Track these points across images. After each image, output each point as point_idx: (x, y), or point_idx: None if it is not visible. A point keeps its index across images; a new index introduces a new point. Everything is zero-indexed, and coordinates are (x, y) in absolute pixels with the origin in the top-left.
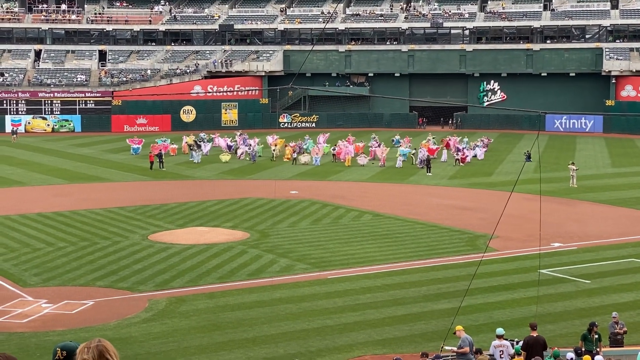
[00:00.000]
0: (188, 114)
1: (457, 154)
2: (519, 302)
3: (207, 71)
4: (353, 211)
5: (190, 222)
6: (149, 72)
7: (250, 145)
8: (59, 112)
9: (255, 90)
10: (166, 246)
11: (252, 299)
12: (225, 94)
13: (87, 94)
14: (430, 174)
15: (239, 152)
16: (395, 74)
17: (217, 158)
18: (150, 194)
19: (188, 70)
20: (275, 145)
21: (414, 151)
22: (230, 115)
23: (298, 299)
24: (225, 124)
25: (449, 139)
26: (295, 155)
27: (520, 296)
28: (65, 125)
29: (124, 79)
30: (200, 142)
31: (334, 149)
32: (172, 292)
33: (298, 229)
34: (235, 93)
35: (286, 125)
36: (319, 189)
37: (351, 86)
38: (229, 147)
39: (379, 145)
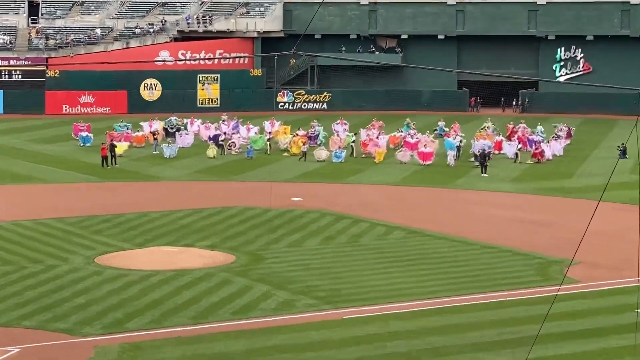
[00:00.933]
0: (151, 90)
1: (528, 148)
2: (609, 353)
3: (178, 31)
4: (379, 226)
5: (153, 239)
6: (97, 31)
7: (243, 134)
8: None
9: (245, 57)
10: (120, 273)
11: (239, 348)
12: (202, 62)
13: (11, 62)
14: (486, 174)
15: (232, 143)
16: (439, 37)
17: (197, 152)
18: (99, 201)
19: (151, 30)
20: (276, 136)
21: (462, 142)
22: (209, 92)
23: (301, 348)
24: (202, 104)
25: (515, 127)
26: (305, 148)
27: (611, 345)
28: None
29: (63, 41)
30: (172, 128)
31: (353, 141)
32: (128, 337)
33: (302, 250)
34: (216, 62)
35: (287, 106)
36: (332, 195)
37: (377, 53)
38: (214, 138)
39: (412, 135)
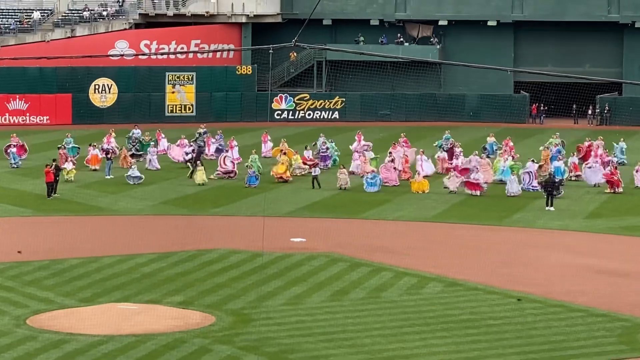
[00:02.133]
0: (104, 94)
1: (605, 168)
2: None
3: (140, 14)
4: (407, 276)
5: (105, 293)
6: (34, 15)
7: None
8: None
9: (229, 50)
10: (60, 338)
11: None
12: (173, 57)
13: None
14: (551, 208)
15: (224, 166)
16: (489, 23)
17: (164, 176)
18: (33, 241)
19: (105, 13)
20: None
21: (517, 165)
22: (181, 95)
23: None
24: (172, 111)
25: (590, 145)
26: (317, 172)
27: None
28: None
29: None
30: (137, 148)
31: (391, 160)
32: None
33: (305, 308)
34: (191, 56)
35: (285, 115)
36: (345, 235)
37: (407, 44)
38: (188, 158)
39: (447, 151)
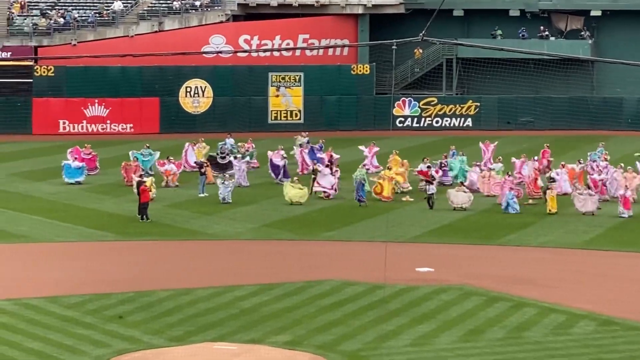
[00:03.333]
0: (196, 97)
1: None
2: None
3: (239, 5)
4: (554, 312)
5: (199, 331)
6: (115, 6)
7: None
8: None
9: (343, 45)
10: None
11: None
12: (277, 54)
13: None
14: None
15: (325, 183)
16: None
17: (265, 193)
18: (116, 271)
19: (198, 4)
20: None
21: None
22: (287, 100)
23: None
24: (276, 118)
25: None
26: (432, 190)
27: None
28: None
29: (58, 20)
30: (223, 157)
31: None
32: None
33: (433, 350)
34: (298, 53)
35: (408, 122)
36: (480, 264)
37: (553, 38)
38: (279, 169)
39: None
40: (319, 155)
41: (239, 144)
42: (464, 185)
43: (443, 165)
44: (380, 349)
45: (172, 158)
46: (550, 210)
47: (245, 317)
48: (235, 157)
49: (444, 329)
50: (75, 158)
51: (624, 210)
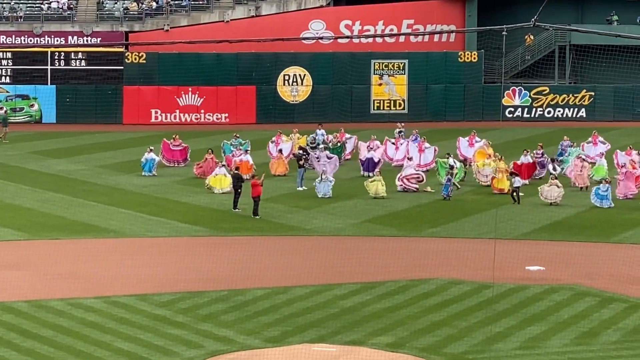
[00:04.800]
0: (295, 86)
1: None
2: None
3: None
4: None
5: (297, 332)
6: None
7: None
8: (8, 82)
9: (450, 31)
10: None
11: None
12: (380, 40)
13: (69, 41)
14: None
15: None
16: None
17: (362, 184)
18: (209, 268)
19: None
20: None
21: None
22: (391, 88)
23: None
24: (379, 108)
25: None
26: (518, 182)
27: None
28: (21, 110)
29: (150, 5)
30: (313, 146)
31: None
32: None
33: (544, 353)
34: (403, 39)
35: (519, 112)
36: (593, 262)
37: None
38: (368, 163)
39: None
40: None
41: (335, 133)
42: (557, 179)
43: (538, 156)
44: (488, 351)
45: (248, 149)
46: None
47: (345, 317)
48: (319, 149)
49: (555, 331)
50: (173, 150)
51: None
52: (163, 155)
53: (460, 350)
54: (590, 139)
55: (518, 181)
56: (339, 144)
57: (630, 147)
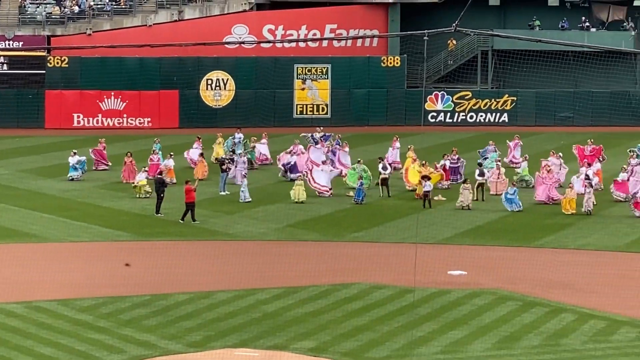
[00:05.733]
0: (218, 90)
1: None
2: None
3: None
4: (593, 318)
5: (219, 337)
6: None
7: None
8: None
9: (373, 36)
10: None
11: None
12: (303, 44)
13: None
14: None
15: (324, 174)
16: None
17: (286, 189)
18: (132, 272)
19: None
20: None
21: None
22: (313, 93)
23: None
24: (302, 112)
25: None
26: (444, 185)
27: None
28: None
29: (73, 9)
30: (231, 156)
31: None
32: None
33: (467, 357)
34: (326, 44)
35: (441, 117)
36: (515, 267)
37: (593, 30)
38: (292, 168)
39: None
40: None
41: (252, 138)
42: (470, 183)
43: (453, 162)
44: (410, 356)
45: (172, 153)
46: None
47: (268, 322)
48: (239, 153)
49: (477, 335)
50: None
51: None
52: (94, 156)
53: (382, 355)
54: (511, 142)
55: (428, 185)
56: (252, 149)
57: (552, 152)
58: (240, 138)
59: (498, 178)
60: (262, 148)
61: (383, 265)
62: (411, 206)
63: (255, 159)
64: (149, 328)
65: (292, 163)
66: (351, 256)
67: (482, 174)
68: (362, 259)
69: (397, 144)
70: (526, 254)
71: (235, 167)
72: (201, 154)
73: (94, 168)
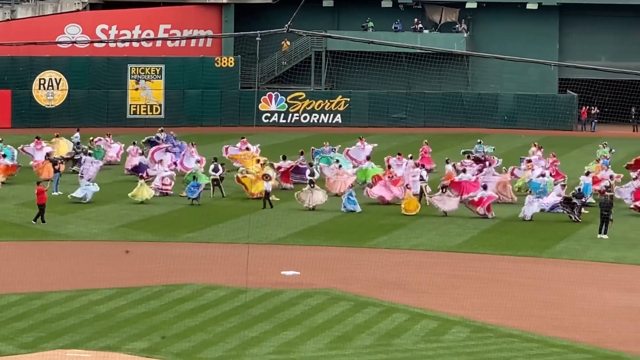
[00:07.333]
0: (50, 90)
1: None
2: None
3: None
4: (425, 318)
5: (51, 337)
6: None
7: (190, 163)
8: None
9: (206, 36)
10: None
11: None
12: (136, 44)
13: None
14: (605, 235)
15: (161, 177)
16: (528, 6)
17: (121, 191)
18: None
19: None
20: (241, 163)
21: (563, 183)
22: (147, 94)
23: None
24: (135, 113)
25: None
26: (288, 186)
27: None
28: None
29: None
30: (78, 153)
31: (390, 176)
32: None
33: (300, 358)
34: (159, 44)
35: (275, 118)
36: (348, 267)
37: (427, 31)
38: (139, 168)
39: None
40: (184, 149)
41: (91, 139)
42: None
43: (302, 164)
44: (243, 356)
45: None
46: (406, 212)
47: (100, 323)
48: (89, 154)
49: (310, 335)
50: None
51: (487, 212)
52: None
53: (215, 355)
54: (358, 142)
55: (269, 185)
56: (95, 149)
57: (399, 154)
58: (77, 137)
59: (336, 178)
60: (113, 148)
61: (216, 266)
62: (244, 206)
63: (102, 157)
64: None
65: (138, 164)
66: (184, 256)
67: (312, 174)
68: (195, 259)
69: (248, 146)
70: (359, 254)
71: (83, 163)
72: (47, 155)
73: None
